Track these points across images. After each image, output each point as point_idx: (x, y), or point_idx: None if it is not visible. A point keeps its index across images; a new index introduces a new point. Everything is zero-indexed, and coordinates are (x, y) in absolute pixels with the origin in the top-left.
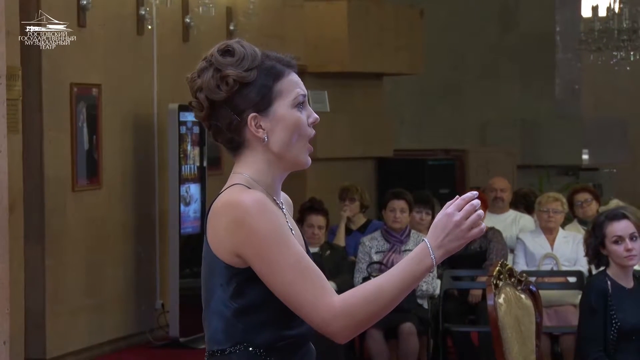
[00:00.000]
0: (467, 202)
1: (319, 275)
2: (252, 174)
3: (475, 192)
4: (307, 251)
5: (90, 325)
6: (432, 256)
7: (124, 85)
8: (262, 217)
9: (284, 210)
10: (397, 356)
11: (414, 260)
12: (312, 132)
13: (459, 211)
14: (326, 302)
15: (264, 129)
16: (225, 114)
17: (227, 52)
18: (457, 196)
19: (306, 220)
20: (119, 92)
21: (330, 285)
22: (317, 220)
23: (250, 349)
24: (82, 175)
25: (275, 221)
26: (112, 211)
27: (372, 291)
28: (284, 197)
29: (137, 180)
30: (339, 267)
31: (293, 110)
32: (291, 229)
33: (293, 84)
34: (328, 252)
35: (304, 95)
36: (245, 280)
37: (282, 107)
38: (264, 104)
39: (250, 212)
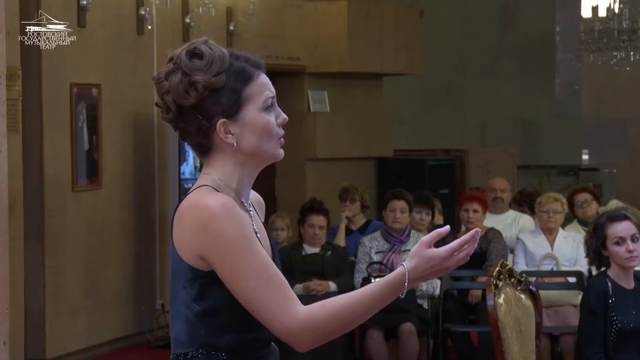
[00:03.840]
0: (463, 245)
1: (284, 284)
2: (221, 176)
3: (477, 230)
4: (274, 254)
5: (90, 325)
6: (405, 288)
7: (124, 85)
8: (229, 222)
9: (251, 213)
10: (397, 356)
11: (392, 286)
12: (281, 132)
13: (453, 254)
14: (290, 312)
15: (233, 134)
16: (194, 118)
17: (195, 54)
18: (449, 227)
19: (307, 220)
20: (119, 92)
21: (295, 295)
22: (318, 220)
23: (213, 352)
24: (82, 175)
25: (242, 226)
26: (112, 211)
27: (342, 308)
28: (255, 197)
29: (137, 180)
30: (340, 268)
31: (262, 114)
32: (257, 231)
33: (262, 87)
34: (329, 252)
35: (273, 97)
36: (208, 283)
37: (251, 112)
38: (233, 110)
39: (217, 215)
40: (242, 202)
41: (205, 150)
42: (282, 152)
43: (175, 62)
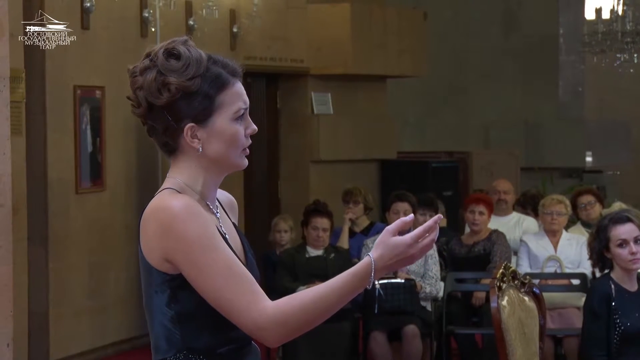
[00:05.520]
0: (426, 232)
1: (251, 281)
2: (185, 179)
3: (439, 216)
4: (247, 255)
5: (94, 327)
6: (371, 278)
7: (128, 87)
8: (190, 222)
9: (218, 214)
10: (401, 358)
11: (358, 276)
12: (248, 142)
13: (418, 241)
14: (259, 307)
15: (199, 139)
16: (163, 118)
17: (172, 54)
18: (413, 216)
19: (310, 222)
20: (123, 95)
21: (262, 291)
22: (322, 222)
23: (190, 355)
24: (85, 178)
25: (204, 225)
26: (115, 213)
27: (310, 301)
28: (226, 197)
29: (141, 182)
30: (343, 270)
31: (232, 124)
32: (225, 233)
33: (236, 97)
34: (332, 255)
35: (245, 109)
36: (178, 286)
37: (221, 120)
38: (203, 115)
39: (178, 216)
40: (207, 204)
41: (170, 150)
42: (245, 161)
43: (151, 59)
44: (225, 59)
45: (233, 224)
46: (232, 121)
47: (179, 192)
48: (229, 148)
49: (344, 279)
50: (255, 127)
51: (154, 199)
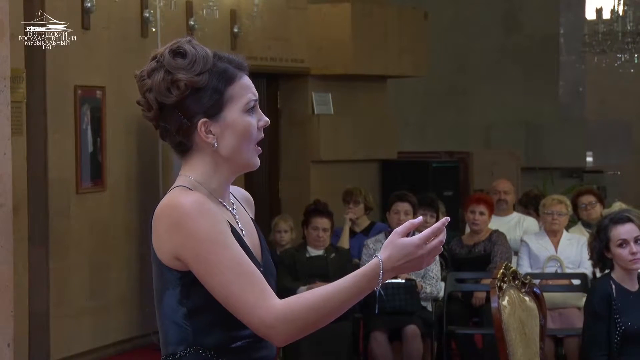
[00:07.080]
0: (434, 234)
1: (260, 278)
2: (198, 176)
3: (447, 218)
4: (263, 252)
5: (95, 327)
6: (379, 280)
7: (128, 87)
8: (200, 218)
9: (234, 211)
10: (401, 358)
11: (366, 277)
12: (261, 135)
13: (426, 242)
14: (267, 305)
15: (213, 134)
16: (175, 117)
17: (178, 53)
18: (421, 218)
19: (311, 222)
20: (123, 95)
21: (271, 289)
22: (322, 222)
23: (201, 351)
24: (86, 178)
25: (214, 222)
26: (116, 213)
27: (318, 300)
28: (241, 193)
29: (141, 182)
30: (344, 270)
31: (244, 116)
32: (242, 229)
33: (245, 89)
34: (333, 254)
35: (255, 100)
36: (189, 283)
37: (232, 113)
38: (214, 110)
39: (188, 213)
40: (219, 201)
41: (184, 150)
42: (257, 161)
43: (158, 60)
44: (230, 54)
45: (252, 219)
46: (244, 113)
47: (191, 190)
48: (243, 141)
49: (352, 280)
50: (267, 119)
51: (165, 196)
